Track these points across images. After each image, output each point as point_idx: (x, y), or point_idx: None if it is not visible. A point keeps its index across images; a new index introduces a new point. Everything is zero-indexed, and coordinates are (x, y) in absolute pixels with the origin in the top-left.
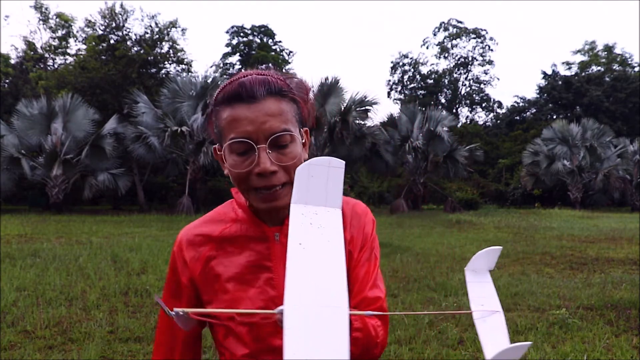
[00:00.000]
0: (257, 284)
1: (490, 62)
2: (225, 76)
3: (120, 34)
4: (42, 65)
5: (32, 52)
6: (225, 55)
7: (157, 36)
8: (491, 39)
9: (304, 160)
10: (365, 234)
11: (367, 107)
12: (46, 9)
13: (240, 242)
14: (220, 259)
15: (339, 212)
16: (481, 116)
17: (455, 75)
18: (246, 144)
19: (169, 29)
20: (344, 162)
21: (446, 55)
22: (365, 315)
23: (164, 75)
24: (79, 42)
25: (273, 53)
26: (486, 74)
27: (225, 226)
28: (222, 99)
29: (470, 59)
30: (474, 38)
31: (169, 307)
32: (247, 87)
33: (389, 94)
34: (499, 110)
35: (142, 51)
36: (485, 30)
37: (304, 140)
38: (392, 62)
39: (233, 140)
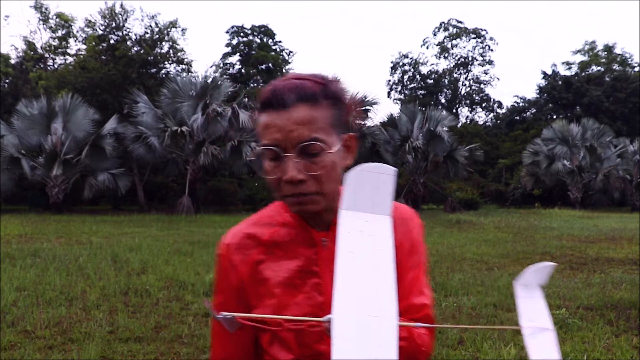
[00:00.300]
0: (305, 289)
1: (490, 62)
2: (225, 76)
3: (120, 34)
4: (42, 65)
5: (32, 52)
6: (225, 55)
7: (157, 36)
8: (491, 39)
9: (348, 167)
10: (412, 239)
11: (367, 107)
12: (46, 9)
13: (289, 247)
14: (268, 263)
15: (389, 220)
16: (481, 116)
17: (455, 75)
18: (275, 152)
19: (169, 29)
20: (395, 169)
21: (446, 55)
22: (400, 301)
23: (164, 75)
24: (79, 42)
25: (273, 53)
26: (486, 74)
27: (273, 229)
28: (259, 105)
29: (470, 59)
30: (474, 38)
31: (227, 312)
32: (278, 94)
33: (389, 94)
34: (499, 110)
35: (142, 51)
36: (485, 30)
37: (343, 146)
38: (392, 62)
39: (263, 147)
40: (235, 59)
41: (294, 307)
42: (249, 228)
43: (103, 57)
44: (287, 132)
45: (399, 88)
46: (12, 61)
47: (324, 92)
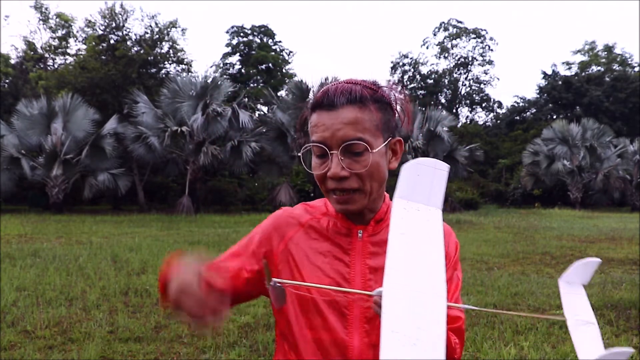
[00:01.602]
0: (332, 274)
1: (490, 62)
2: (225, 76)
3: (120, 34)
4: (42, 65)
5: (32, 52)
6: (225, 55)
7: (157, 36)
8: (491, 39)
9: (393, 170)
10: (448, 254)
11: None
12: (46, 9)
13: (324, 233)
14: (302, 244)
15: (440, 212)
16: (481, 116)
17: (455, 75)
18: (322, 149)
19: (169, 29)
20: (449, 165)
21: (446, 55)
22: (453, 318)
23: (164, 75)
24: (79, 42)
25: (273, 53)
26: (486, 74)
27: (313, 216)
28: (311, 105)
29: (470, 59)
30: (474, 38)
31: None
32: (329, 96)
33: None
34: (499, 110)
35: (142, 51)
36: (485, 30)
37: (390, 150)
38: (392, 62)
39: (311, 144)
40: (235, 59)
41: (320, 291)
42: (295, 209)
43: (103, 57)
44: (334, 131)
45: (399, 88)
46: (12, 61)
47: (373, 96)
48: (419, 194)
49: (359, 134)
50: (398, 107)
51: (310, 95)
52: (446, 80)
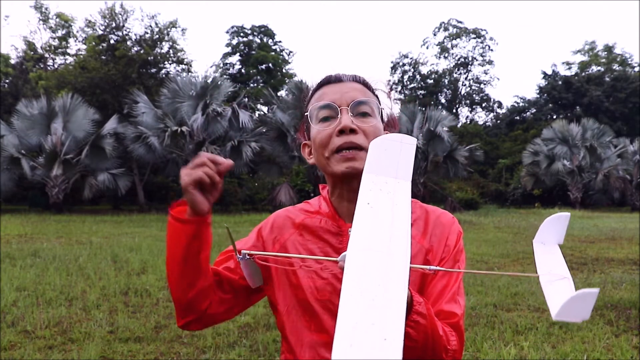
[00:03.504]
0: (324, 274)
1: (490, 62)
2: (225, 76)
3: (120, 34)
4: (42, 65)
5: (32, 52)
6: (225, 55)
7: (157, 36)
8: (491, 39)
9: None
10: (447, 245)
11: None
12: (46, 9)
13: (316, 232)
14: (295, 244)
15: (409, 185)
16: (481, 116)
17: (455, 75)
18: (330, 110)
19: (169, 29)
20: (416, 139)
21: (446, 55)
22: (427, 301)
23: (164, 75)
24: (79, 42)
25: (273, 53)
26: (486, 74)
27: (307, 215)
28: (314, 89)
29: (470, 59)
30: (474, 38)
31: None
32: (335, 74)
33: (388, 94)
34: (499, 110)
35: (142, 51)
36: (485, 30)
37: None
38: (392, 62)
39: (319, 104)
40: (235, 59)
41: (313, 290)
42: (289, 210)
43: (103, 57)
44: (343, 94)
45: (399, 88)
46: (12, 61)
47: (370, 84)
48: (387, 168)
49: (367, 98)
50: (390, 97)
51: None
52: (446, 80)
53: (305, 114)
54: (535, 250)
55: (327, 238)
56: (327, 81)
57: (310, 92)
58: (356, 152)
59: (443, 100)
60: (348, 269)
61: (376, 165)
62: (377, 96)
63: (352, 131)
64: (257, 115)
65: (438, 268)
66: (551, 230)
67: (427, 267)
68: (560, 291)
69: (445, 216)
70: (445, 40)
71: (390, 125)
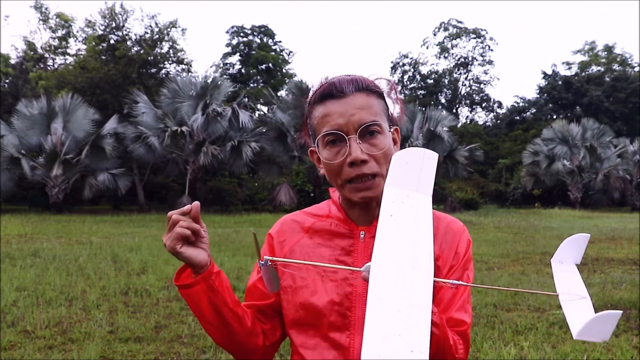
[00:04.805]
0: (336, 277)
1: (490, 62)
2: (225, 76)
3: (120, 34)
4: (42, 65)
5: (32, 52)
6: (225, 55)
7: (157, 36)
8: (491, 39)
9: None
10: (457, 253)
11: None
12: (46, 9)
13: (327, 236)
14: (305, 248)
15: (429, 199)
16: (481, 116)
17: (455, 75)
18: (337, 136)
19: (169, 29)
20: (437, 154)
21: (446, 55)
22: (439, 312)
23: (164, 75)
24: (79, 42)
25: (273, 53)
26: (486, 74)
27: (317, 219)
28: (315, 100)
29: (470, 59)
30: (474, 38)
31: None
32: (337, 85)
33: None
34: (499, 110)
35: (142, 51)
36: (485, 30)
37: (393, 137)
38: (392, 62)
39: (325, 133)
40: (235, 59)
41: (323, 294)
42: (297, 215)
43: (103, 57)
44: (349, 117)
45: (399, 88)
46: (12, 61)
47: (372, 86)
48: (408, 181)
49: (372, 117)
50: (392, 96)
51: (310, 93)
52: (446, 80)
53: (307, 120)
54: (554, 268)
55: (338, 241)
56: (330, 94)
57: (312, 97)
58: (370, 181)
59: (443, 100)
60: (373, 280)
61: (398, 178)
62: (377, 93)
63: (363, 162)
64: (257, 115)
65: (461, 283)
66: (570, 250)
67: (451, 281)
68: (581, 311)
69: (455, 224)
70: (445, 40)
71: (394, 123)
